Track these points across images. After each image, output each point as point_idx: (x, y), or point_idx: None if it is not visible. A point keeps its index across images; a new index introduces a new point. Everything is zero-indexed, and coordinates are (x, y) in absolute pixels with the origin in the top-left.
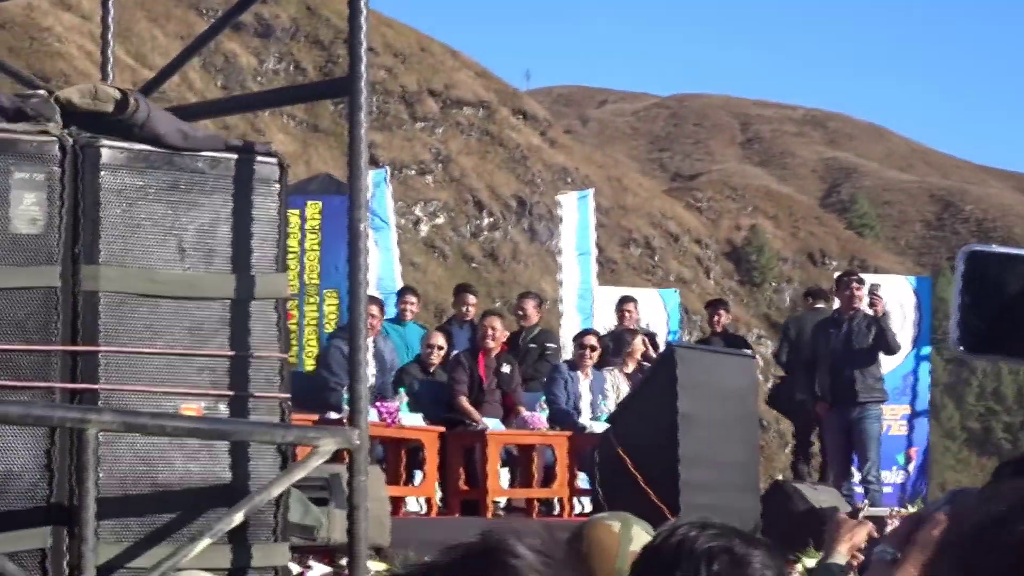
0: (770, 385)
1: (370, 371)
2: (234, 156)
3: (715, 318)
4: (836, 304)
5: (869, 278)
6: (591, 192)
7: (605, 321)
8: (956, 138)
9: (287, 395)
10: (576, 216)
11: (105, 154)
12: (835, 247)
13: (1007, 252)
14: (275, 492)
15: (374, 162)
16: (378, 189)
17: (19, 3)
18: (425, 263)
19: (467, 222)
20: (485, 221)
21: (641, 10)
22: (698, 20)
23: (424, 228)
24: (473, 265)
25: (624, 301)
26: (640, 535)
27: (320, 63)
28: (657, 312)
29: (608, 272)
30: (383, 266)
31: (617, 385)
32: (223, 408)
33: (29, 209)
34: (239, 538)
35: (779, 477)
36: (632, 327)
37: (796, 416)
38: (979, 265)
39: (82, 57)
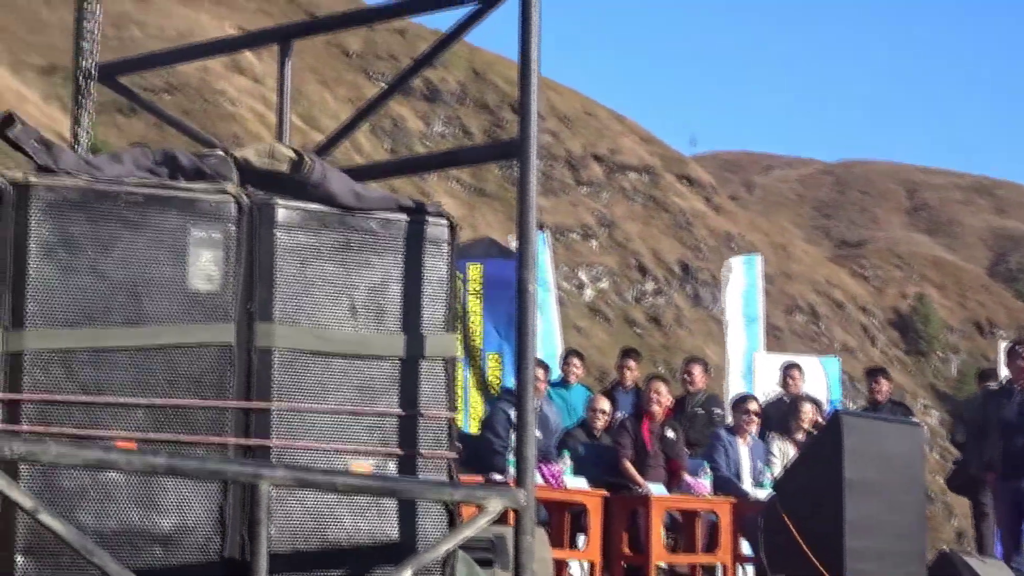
0: (936, 456)
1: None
2: (405, 217)
3: (874, 386)
4: (1005, 372)
5: None
6: (758, 257)
7: (765, 387)
8: None
9: (455, 454)
10: (743, 281)
11: (280, 213)
12: (1003, 317)
13: None
14: (443, 550)
15: (538, 226)
16: (541, 251)
17: (194, 66)
18: (589, 327)
19: (631, 287)
20: (649, 286)
21: (806, 76)
22: (862, 86)
23: (588, 292)
24: (636, 330)
25: (789, 368)
26: None
27: (487, 127)
28: (818, 379)
29: (773, 339)
30: (544, 329)
31: (785, 452)
32: (392, 466)
33: (206, 266)
34: None
35: (945, 548)
36: (797, 394)
37: (974, 493)
38: None
39: (254, 120)
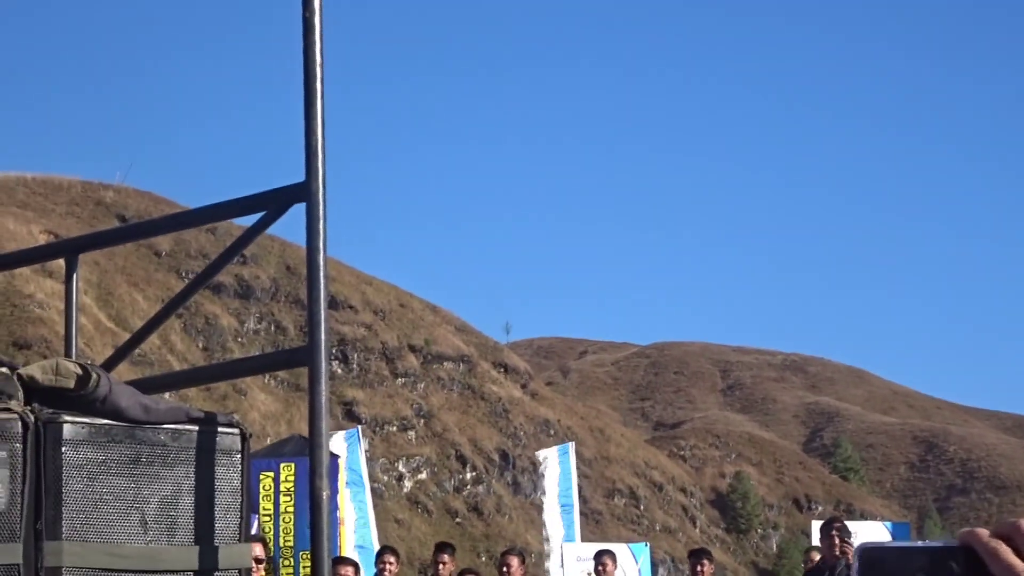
0: None
1: None
2: (196, 428)
3: (698, 568)
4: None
5: (852, 526)
6: (571, 445)
7: None
8: (937, 379)
9: None
10: (558, 470)
11: (67, 430)
12: (820, 492)
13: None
14: None
15: (356, 419)
16: (353, 447)
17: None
18: (409, 519)
19: (450, 477)
20: (468, 475)
21: (618, 261)
22: (674, 269)
23: (407, 484)
24: (457, 520)
25: (601, 555)
26: None
27: (300, 322)
28: (629, 566)
29: (593, 523)
30: (360, 525)
31: None
32: None
33: None
34: None
35: None
36: None
37: None
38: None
39: (63, 322)
